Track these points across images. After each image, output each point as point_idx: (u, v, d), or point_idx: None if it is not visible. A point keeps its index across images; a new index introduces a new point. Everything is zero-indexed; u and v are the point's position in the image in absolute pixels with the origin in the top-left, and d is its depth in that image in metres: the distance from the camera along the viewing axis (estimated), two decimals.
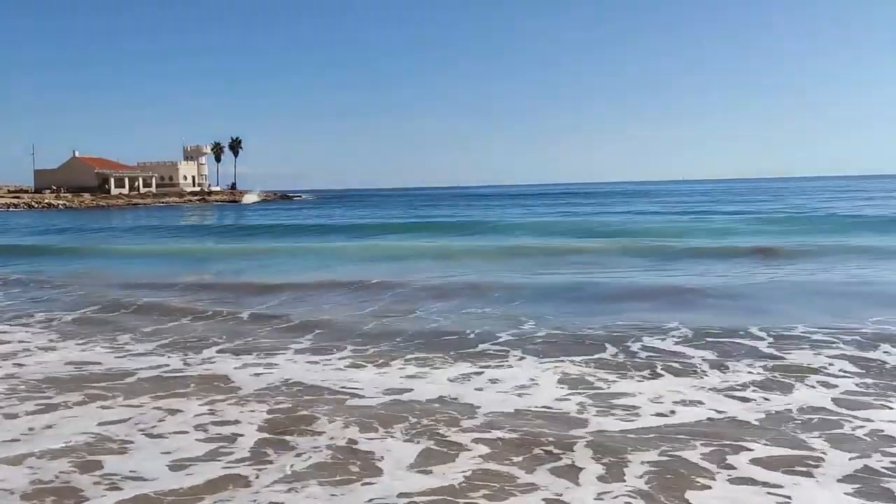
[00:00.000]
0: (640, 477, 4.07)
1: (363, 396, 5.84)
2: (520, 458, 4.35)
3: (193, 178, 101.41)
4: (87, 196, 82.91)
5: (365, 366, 6.92)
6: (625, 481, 4.02)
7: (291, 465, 4.30)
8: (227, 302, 11.19)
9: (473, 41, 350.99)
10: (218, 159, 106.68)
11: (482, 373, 6.54)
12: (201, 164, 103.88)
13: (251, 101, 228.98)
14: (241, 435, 4.88)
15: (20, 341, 8.48)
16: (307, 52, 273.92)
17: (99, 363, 7.26)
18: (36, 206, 74.41)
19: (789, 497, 3.78)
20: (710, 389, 5.81)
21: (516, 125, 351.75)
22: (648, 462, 4.28)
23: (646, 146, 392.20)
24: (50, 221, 46.65)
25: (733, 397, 5.58)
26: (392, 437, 4.79)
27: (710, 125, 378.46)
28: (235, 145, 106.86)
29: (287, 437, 4.82)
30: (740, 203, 48.77)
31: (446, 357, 7.17)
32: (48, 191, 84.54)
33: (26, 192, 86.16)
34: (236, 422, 5.19)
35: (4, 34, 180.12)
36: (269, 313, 10.15)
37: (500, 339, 7.95)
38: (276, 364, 7.10)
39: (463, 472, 4.16)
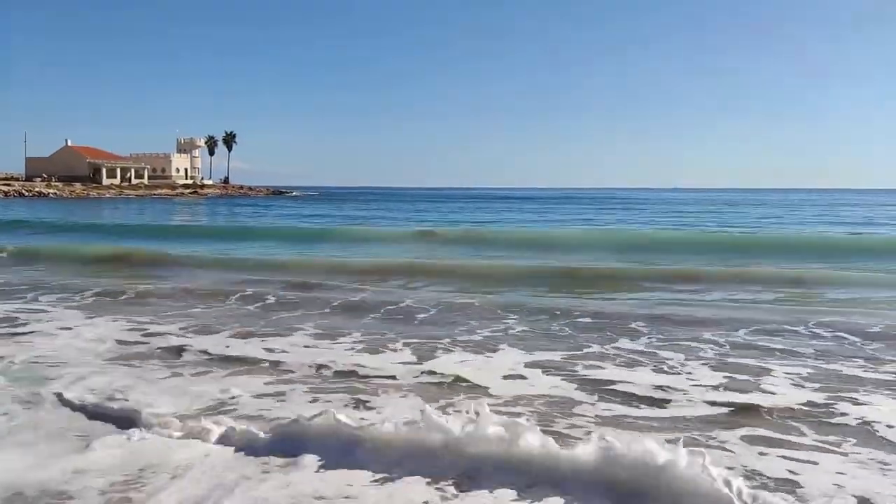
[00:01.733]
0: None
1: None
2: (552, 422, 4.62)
3: (186, 170, 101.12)
4: (77, 185, 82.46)
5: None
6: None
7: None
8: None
9: (474, 42, 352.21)
10: (211, 153, 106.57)
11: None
12: (194, 158, 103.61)
13: (252, 98, 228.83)
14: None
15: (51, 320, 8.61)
16: (308, 51, 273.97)
17: (146, 342, 7.49)
18: (27, 193, 73.93)
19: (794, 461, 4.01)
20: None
21: (517, 127, 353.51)
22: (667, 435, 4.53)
23: (647, 151, 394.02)
24: (28, 213, 46.35)
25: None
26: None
27: (711, 131, 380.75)
28: (229, 139, 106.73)
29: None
30: None
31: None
32: (39, 179, 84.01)
33: (17, 179, 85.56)
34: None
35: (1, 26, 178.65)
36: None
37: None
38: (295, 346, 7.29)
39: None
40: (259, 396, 5.48)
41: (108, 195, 78.79)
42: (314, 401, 5.36)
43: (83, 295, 10.77)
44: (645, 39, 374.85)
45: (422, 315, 9.31)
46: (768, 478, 3.98)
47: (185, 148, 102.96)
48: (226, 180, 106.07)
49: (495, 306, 9.89)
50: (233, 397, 5.41)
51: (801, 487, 3.85)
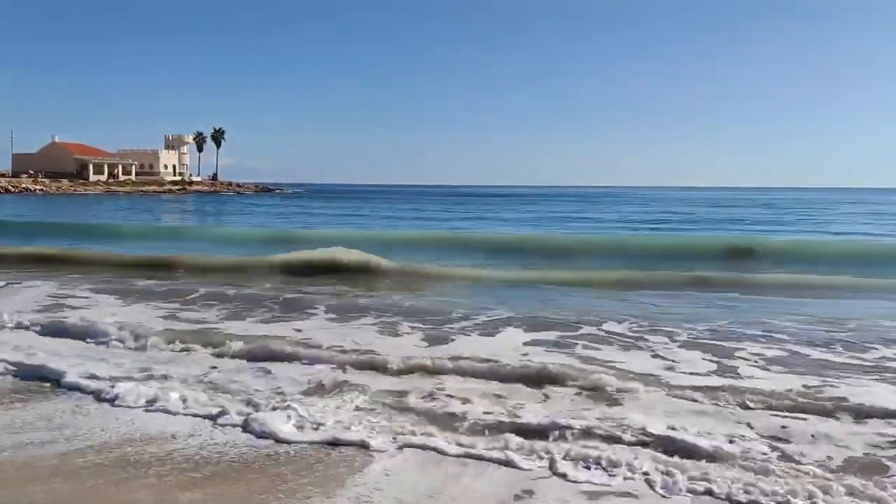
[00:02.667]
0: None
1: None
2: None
3: (174, 167, 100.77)
4: (65, 182, 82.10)
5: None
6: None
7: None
8: None
9: (473, 45, 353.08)
10: (200, 149, 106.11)
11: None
12: (182, 154, 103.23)
13: (241, 94, 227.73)
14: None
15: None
16: (300, 48, 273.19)
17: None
18: (13, 190, 73.53)
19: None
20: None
21: (512, 127, 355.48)
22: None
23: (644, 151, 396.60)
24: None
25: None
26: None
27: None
28: (218, 136, 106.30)
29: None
30: None
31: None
32: (26, 175, 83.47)
33: (3, 175, 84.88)
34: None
35: None
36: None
37: None
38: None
39: None
40: None
41: (94, 192, 78.46)
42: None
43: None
44: (653, 43, 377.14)
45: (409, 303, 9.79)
46: (760, 427, 4.61)
47: (174, 144, 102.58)
48: (214, 177, 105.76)
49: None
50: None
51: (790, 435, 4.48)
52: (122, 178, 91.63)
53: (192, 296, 10.19)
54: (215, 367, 6.12)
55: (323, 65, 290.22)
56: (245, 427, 4.64)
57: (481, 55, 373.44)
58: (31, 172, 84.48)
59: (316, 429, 4.55)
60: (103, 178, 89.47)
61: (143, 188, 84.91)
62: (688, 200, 75.34)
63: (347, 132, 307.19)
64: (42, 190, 75.80)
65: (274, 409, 4.87)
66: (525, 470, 4.00)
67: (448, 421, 4.76)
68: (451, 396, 5.28)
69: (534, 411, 4.93)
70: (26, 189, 74.75)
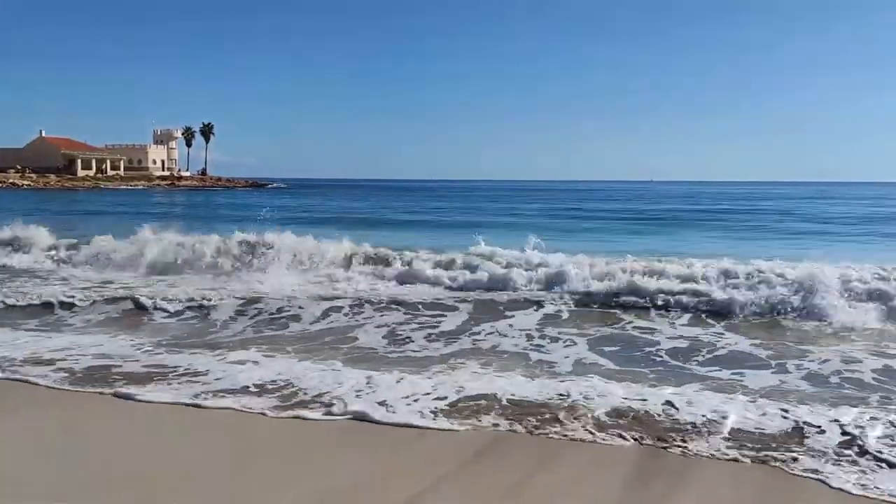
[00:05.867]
0: None
1: None
2: None
3: (163, 162, 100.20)
4: (52, 177, 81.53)
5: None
6: None
7: None
8: None
9: (467, 40, 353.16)
10: (189, 144, 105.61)
11: None
12: (171, 149, 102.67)
13: (233, 90, 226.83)
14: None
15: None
16: (289, 42, 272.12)
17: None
18: (1, 185, 72.99)
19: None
20: None
21: (508, 126, 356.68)
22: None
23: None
24: None
25: None
26: None
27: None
28: (207, 131, 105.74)
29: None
30: None
31: None
32: (13, 170, 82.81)
33: None
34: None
35: None
36: None
37: None
38: None
39: None
40: None
41: (83, 187, 77.91)
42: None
43: None
44: (634, 36, 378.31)
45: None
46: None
47: (162, 139, 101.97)
48: (203, 172, 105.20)
49: None
50: None
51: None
52: (110, 172, 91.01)
53: None
54: None
55: (311, 59, 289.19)
56: None
57: (480, 53, 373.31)
58: (19, 167, 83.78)
59: None
60: (91, 172, 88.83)
61: (132, 183, 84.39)
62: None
63: (336, 128, 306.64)
64: (29, 185, 75.19)
65: None
66: None
67: None
68: None
69: None
70: (13, 184, 74.14)
